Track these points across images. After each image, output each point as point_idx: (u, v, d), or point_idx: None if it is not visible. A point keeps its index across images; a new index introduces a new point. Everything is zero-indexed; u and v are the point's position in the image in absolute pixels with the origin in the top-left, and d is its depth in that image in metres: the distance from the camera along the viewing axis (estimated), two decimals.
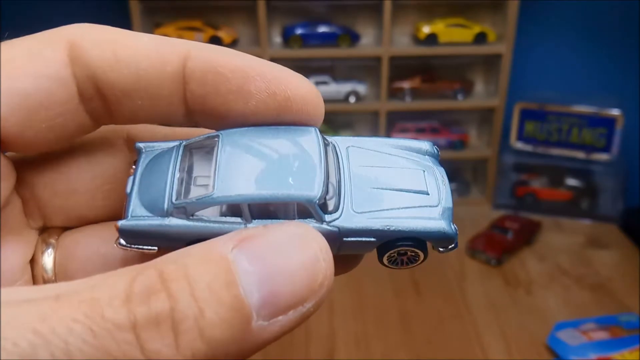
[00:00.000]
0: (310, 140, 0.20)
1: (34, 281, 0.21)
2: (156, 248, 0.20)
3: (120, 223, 0.20)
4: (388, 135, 1.18)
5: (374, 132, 1.18)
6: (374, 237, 0.20)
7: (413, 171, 0.22)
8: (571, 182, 1.18)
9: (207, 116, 0.20)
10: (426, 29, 1.10)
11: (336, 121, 1.20)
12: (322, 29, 1.11)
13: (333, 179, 0.21)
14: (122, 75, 0.19)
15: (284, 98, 0.20)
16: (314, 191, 0.19)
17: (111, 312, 0.14)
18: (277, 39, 1.14)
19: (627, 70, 1.21)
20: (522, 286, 0.96)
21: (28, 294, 0.14)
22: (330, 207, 0.20)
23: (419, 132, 1.18)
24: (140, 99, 0.19)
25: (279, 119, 0.20)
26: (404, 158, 0.22)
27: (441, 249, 0.21)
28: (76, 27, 0.19)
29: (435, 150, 0.23)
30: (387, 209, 0.20)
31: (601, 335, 0.81)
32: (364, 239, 0.20)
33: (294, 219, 0.19)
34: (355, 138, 0.23)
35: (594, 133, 1.13)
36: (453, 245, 0.21)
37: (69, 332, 0.13)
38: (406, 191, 0.21)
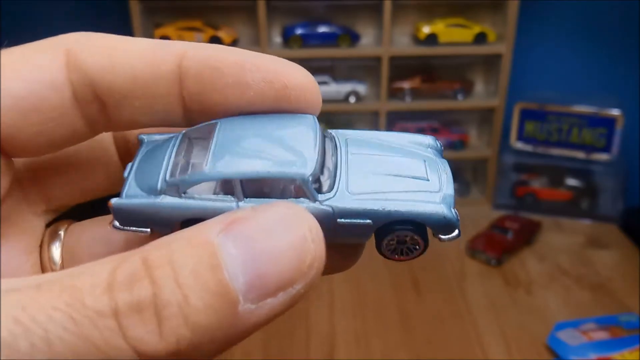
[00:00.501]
0: (307, 125, 0.20)
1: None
2: (149, 230, 0.20)
3: (113, 200, 0.20)
4: None
5: None
6: (369, 219, 0.19)
7: (413, 160, 0.21)
8: (571, 182, 1.18)
9: (205, 114, 0.20)
10: (426, 29, 1.10)
11: (336, 121, 1.20)
12: (322, 29, 1.11)
13: (329, 163, 0.20)
14: (118, 77, 0.19)
15: (282, 86, 0.20)
16: (307, 168, 0.19)
17: (92, 299, 0.14)
18: (277, 39, 1.14)
19: (627, 70, 1.21)
20: (522, 286, 0.96)
21: (12, 284, 0.14)
22: (325, 188, 0.19)
23: (419, 132, 1.18)
24: (137, 101, 0.19)
25: (277, 108, 0.20)
26: (404, 149, 0.22)
27: (442, 237, 0.20)
28: (73, 35, 0.20)
29: (438, 145, 0.23)
30: (385, 192, 0.20)
31: (601, 335, 0.81)
32: (359, 220, 0.19)
33: (289, 199, 0.19)
34: (356, 131, 0.23)
35: (594, 133, 1.13)
36: (455, 234, 0.20)
37: (49, 320, 0.13)
38: (405, 176, 0.20)
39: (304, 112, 0.21)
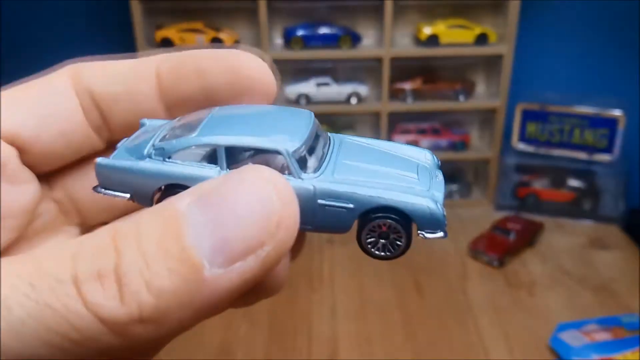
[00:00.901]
0: (302, 116, 0.21)
1: None
2: (128, 195, 0.20)
3: (98, 159, 0.20)
4: (389, 136, 1.18)
5: (376, 134, 1.18)
6: (351, 203, 0.19)
7: (406, 162, 0.21)
8: (573, 183, 1.18)
9: (181, 107, 0.22)
10: (427, 30, 1.10)
11: (337, 122, 1.20)
12: (323, 30, 1.11)
13: (319, 152, 0.20)
14: (110, 83, 0.22)
15: (236, 71, 0.22)
16: (291, 144, 0.19)
17: (52, 266, 0.14)
18: (278, 40, 1.14)
19: (629, 70, 1.21)
20: (524, 287, 0.95)
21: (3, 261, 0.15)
22: (310, 170, 0.19)
23: (421, 133, 1.18)
24: (127, 103, 0.22)
25: (236, 92, 0.22)
26: (399, 154, 0.22)
27: (426, 234, 0.19)
28: (77, 61, 0.23)
29: (435, 159, 0.22)
30: (371, 179, 0.19)
31: (603, 336, 0.81)
32: (340, 203, 0.19)
33: None
34: (353, 136, 0.23)
35: (595, 134, 1.13)
36: (440, 234, 0.19)
37: (11, 287, 0.14)
38: (394, 171, 0.20)
39: (259, 95, 0.21)
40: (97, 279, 0.14)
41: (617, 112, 1.11)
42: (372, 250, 0.20)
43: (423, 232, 0.19)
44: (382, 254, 0.20)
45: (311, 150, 0.20)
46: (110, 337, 0.14)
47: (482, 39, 1.11)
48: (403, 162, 0.21)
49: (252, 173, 0.16)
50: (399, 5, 1.09)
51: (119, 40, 1.23)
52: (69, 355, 0.14)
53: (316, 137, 0.21)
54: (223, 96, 0.22)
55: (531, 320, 0.88)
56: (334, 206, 0.19)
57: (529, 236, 1.06)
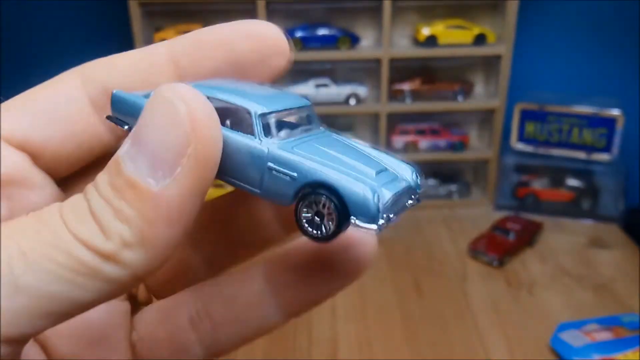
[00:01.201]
0: (292, 97, 0.22)
1: None
2: (127, 126, 0.21)
3: (115, 90, 0.21)
4: (388, 137, 1.19)
5: (375, 134, 1.18)
6: (295, 172, 0.19)
7: (376, 162, 0.21)
8: (572, 182, 1.18)
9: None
10: (426, 31, 1.10)
11: (336, 123, 1.20)
12: (322, 31, 1.11)
13: (297, 131, 0.21)
14: (123, 76, 0.22)
15: (254, 32, 0.23)
16: (261, 107, 0.20)
17: (47, 218, 0.17)
18: None
19: (627, 69, 1.21)
20: (524, 287, 0.95)
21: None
22: (274, 137, 0.20)
23: (420, 134, 1.18)
24: (140, 90, 0.22)
25: (260, 50, 0.22)
26: (378, 157, 0.22)
27: (357, 222, 0.18)
28: (85, 63, 0.23)
29: (416, 177, 0.21)
30: (326, 161, 0.19)
31: (604, 335, 0.81)
32: (286, 170, 0.19)
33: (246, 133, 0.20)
34: (349, 137, 0.23)
35: (594, 133, 1.13)
36: (374, 225, 0.18)
37: (15, 225, 0.16)
38: (354, 161, 0.20)
39: (281, 57, 0.22)
40: (81, 223, 0.16)
41: (615, 112, 1.11)
42: (305, 226, 0.19)
43: (355, 218, 0.18)
44: (313, 232, 0.19)
45: (284, 125, 0.21)
46: (109, 266, 0.16)
47: (480, 40, 1.11)
48: (371, 161, 0.21)
49: (157, 92, 0.17)
50: (397, 6, 1.09)
51: (117, 43, 1.23)
52: (85, 289, 0.16)
53: (299, 119, 0.21)
54: (248, 64, 0.22)
55: (531, 320, 0.88)
56: (279, 171, 0.19)
57: (529, 236, 1.06)
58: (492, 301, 0.92)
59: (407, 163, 0.22)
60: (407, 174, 0.21)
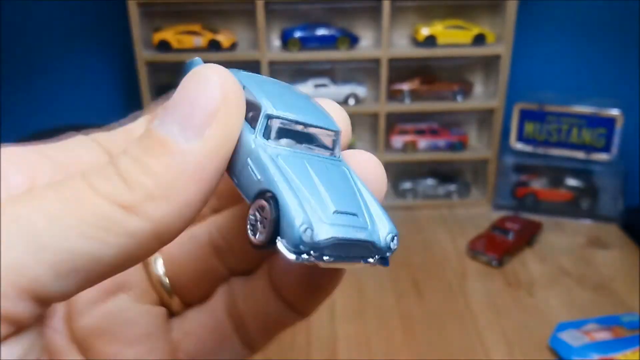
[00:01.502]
0: (318, 112, 0.22)
1: (150, 280, 0.24)
2: None
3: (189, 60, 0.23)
4: (387, 137, 1.19)
5: (374, 134, 1.18)
6: (261, 176, 0.19)
7: (354, 203, 0.20)
8: (571, 182, 1.18)
9: None
10: (425, 31, 1.10)
11: None
12: (321, 31, 1.11)
13: (300, 146, 0.21)
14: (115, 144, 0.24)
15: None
16: (275, 110, 0.20)
17: (68, 176, 0.17)
18: (276, 42, 1.14)
19: (627, 69, 1.21)
20: (523, 287, 0.95)
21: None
22: (269, 139, 0.20)
23: (419, 134, 1.18)
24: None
25: None
26: (366, 201, 0.21)
27: (280, 244, 0.18)
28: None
29: (389, 240, 0.20)
30: (296, 178, 0.19)
31: (603, 335, 0.81)
32: (256, 170, 0.19)
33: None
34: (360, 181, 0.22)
35: (593, 133, 1.13)
36: (292, 255, 0.18)
37: (41, 189, 0.17)
38: (329, 192, 0.19)
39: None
40: (105, 180, 0.17)
41: (614, 112, 1.11)
42: (247, 227, 0.19)
43: (280, 239, 0.18)
44: (249, 233, 0.19)
45: (292, 136, 0.20)
46: (130, 217, 0.16)
47: (479, 40, 1.11)
48: (345, 201, 0.20)
49: (196, 67, 0.19)
50: (396, 7, 1.09)
51: (116, 43, 1.23)
52: (106, 244, 0.16)
53: (314, 138, 0.21)
54: None
55: (531, 320, 0.88)
56: (252, 169, 0.19)
57: (528, 236, 1.06)
58: (491, 301, 0.92)
59: (391, 224, 0.20)
60: (381, 231, 0.20)
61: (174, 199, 0.17)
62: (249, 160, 0.19)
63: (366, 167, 0.22)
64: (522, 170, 1.20)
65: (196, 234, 0.24)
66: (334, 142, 0.22)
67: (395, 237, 0.20)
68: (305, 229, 0.18)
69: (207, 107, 0.17)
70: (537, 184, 1.19)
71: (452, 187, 1.22)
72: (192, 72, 0.18)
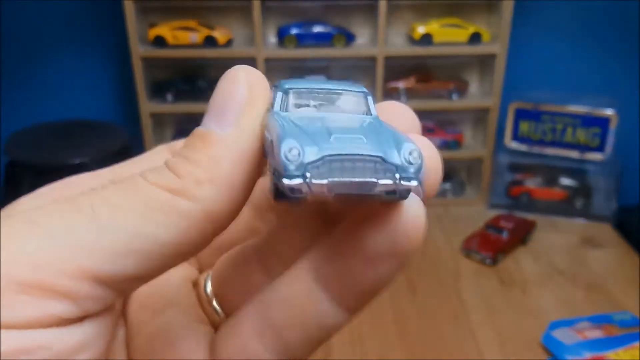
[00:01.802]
0: (343, 84, 0.21)
1: (200, 301, 0.25)
2: None
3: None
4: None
5: None
6: (270, 137, 0.19)
7: (369, 132, 0.18)
8: (565, 181, 1.18)
9: None
10: (421, 29, 1.10)
11: None
12: (317, 29, 1.11)
13: (324, 108, 0.20)
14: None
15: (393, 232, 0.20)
16: (291, 85, 0.20)
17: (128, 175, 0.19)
18: (272, 39, 1.14)
19: (622, 69, 1.21)
20: (517, 285, 0.96)
21: None
22: (289, 110, 0.20)
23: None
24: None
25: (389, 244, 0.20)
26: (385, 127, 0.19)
27: (277, 180, 0.17)
28: None
29: (409, 155, 0.17)
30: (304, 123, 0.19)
31: (596, 334, 0.82)
32: (268, 135, 0.19)
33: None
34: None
35: (588, 133, 1.14)
36: (288, 180, 0.16)
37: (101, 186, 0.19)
38: (338, 125, 0.18)
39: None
40: (158, 174, 0.19)
41: (609, 111, 1.12)
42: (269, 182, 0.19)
43: (277, 175, 0.17)
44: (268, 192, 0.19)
45: (312, 105, 0.20)
46: (182, 200, 0.18)
47: (475, 38, 1.11)
48: (363, 130, 0.18)
49: (228, 71, 0.21)
50: (392, 5, 1.09)
51: (112, 39, 1.23)
52: (162, 224, 0.18)
53: (340, 107, 0.20)
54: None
55: (524, 318, 0.88)
56: (267, 138, 0.19)
57: (522, 235, 1.07)
58: (484, 299, 0.93)
59: (411, 143, 0.17)
60: (397, 149, 0.17)
61: (218, 181, 0.18)
62: (266, 132, 0.19)
63: (394, 111, 0.23)
64: (516, 169, 1.21)
65: (244, 250, 0.25)
66: (366, 104, 0.20)
67: (415, 152, 0.17)
68: (291, 149, 0.16)
69: (237, 99, 0.19)
70: (532, 183, 1.19)
71: (446, 186, 1.22)
72: (223, 75, 0.20)
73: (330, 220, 0.22)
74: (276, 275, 0.22)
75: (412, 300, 0.93)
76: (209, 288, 0.25)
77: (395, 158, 0.17)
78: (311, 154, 0.16)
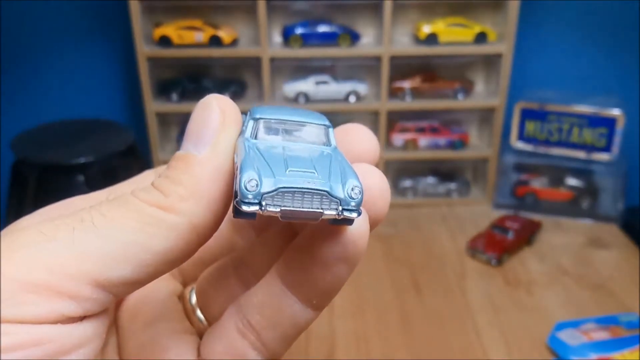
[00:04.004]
0: (305, 114, 0.23)
1: (185, 312, 0.28)
2: None
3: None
4: (388, 134, 1.18)
5: (374, 132, 1.17)
6: (237, 162, 0.22)
7: (320, 165, 0.21)
8: (572, 182, 1.18)
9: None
10: (426, 29, 1.10)
11: (336, 121, 1.18)
12: (322, 28, 1.11)
13: (292, 139, 0.23)
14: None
15: (348, 142, 0.26)
16: (262, 113, 0.23)
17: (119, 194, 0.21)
18: (277, 38, 1.14)
19: (628, 69, 1.21)
20: (522, 286, 0.96)
21: None
22: (258, 137, 0.22)
23: (419, 132, 1.18)
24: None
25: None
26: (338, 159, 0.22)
27: (236, 204, 0.20)
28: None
29: (348, 192, 0.20)
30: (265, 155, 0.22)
31: (601, 335, 0.81)
32: (236, 160, 0.22)
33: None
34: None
35: (594, 133, 1.13)
36: (245, 207, 0.19)
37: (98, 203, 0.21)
38: (295, 158, 0.21)
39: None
40: (147, 193, 0.21)
41: (616, 112, 1.11)
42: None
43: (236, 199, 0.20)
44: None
45: (279, 133, 0.23)
46: (170, 215, 0.20)
47: (481, 38, 1.11)
48: (318, 163, 0.21)
49: (202, 99, 0.23)
50: (398, 4, 1.09)
51: (117, 39, 1.23)
52: (153, 235, 0.20)
53: (303, 136, 0.23)
54: None
55: (529, 319, 0.88)
56: (235, 162, 0.21)
57: (528, 235, 1.06)
58: (490, 300, 0.92)
59: (356, 179, 0.20)
60: (342, 185, 0.20)
61: (199, 197, 0.21)
62: (235, 156, 0.22)
63: (356, 134, 0.25)
64: (522, 169, 1.20)
65: (223, 265, 0.28)
66: (326, 135, 0.23)
67: (357, 188, 0.20)
68: (250, 180, 0.19)
69: (211, 124, 0.22)
70: (538, 183, 1.19)
71: (452, 186, 1.22)
72: (197, 104, 0.22)
73: (294, 236, 0.26)
74: (251, 285, 0.25)
75: (417, 300, 0.92)
76: (193, 299, 0.28)
77: (340, 192, 0.20)
78: (267, 185, 0.19)
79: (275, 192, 0.19)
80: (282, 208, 0.19)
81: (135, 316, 0.26)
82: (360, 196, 0.20)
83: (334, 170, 0.20)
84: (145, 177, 0.27)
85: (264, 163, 0.20)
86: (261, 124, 0.22)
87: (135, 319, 0.26)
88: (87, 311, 0.19)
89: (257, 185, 0.19)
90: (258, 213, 0.19)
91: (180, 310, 0.27)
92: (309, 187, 0.19)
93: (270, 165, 0.20)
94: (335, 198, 0.19)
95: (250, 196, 0.19)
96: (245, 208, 0.19)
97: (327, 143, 0.23)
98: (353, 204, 0.20)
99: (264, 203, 0.19)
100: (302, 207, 0.19)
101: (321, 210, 0.19)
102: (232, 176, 0.21)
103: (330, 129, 0.23)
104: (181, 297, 0.28)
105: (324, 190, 0.19)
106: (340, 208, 0.20)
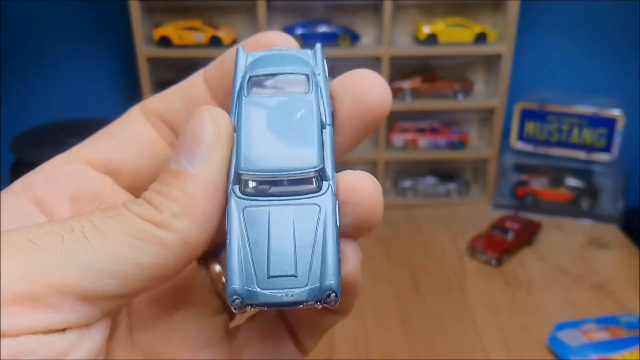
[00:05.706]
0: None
1: (211, 280, 0.27)
2: None
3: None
4: (388, 135, 1.18)
5: (374, 132, 1.18)
6: (226, 224, 0.23)
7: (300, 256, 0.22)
8: (571, 182, 1.18)
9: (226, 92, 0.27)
10: (426, 29, 1.10)
11: None
12: (322, 28, 1.11)
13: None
14: (170, 100, 0.27)
15: (358, 90, 0.28)
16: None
17: (111, 205, 0.21)
18: None
19: (628, 70, 1.21)
20: (522, 286, 0.96)
21: None
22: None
23: (419, 132, 1.18)
24: (187, 114, 0.26)
25: (358, 109, 0.28)
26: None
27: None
28: (144, 100, 0.28)
29: (324, 299, 0.21)
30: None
31: (602, 335, 0.81)
32: (226, 216, 0.22)
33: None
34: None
35: (594, 133, 1.13)
36: (230, 300, 0.21)
37: (91, 213, 0.21)
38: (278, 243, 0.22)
39: (376, 114, 0.26)
40: (139, 206, 0.21)
41: (616, 112, 1.11)
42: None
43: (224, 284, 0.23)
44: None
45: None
46: (162, 231, 0.20)
47: (481, 38, 1.10)
48: (301, 253, 0.21)
49: (195, 110, 0.23)
50: (398, 4, 1.09)
51: (117, 39, 1.23)
52: (144, 251, 0.20)
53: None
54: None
55: (529, 319, 0.88)
56: (226, 212, 0.22)
57: (527, 235, 1.06)
58: (490, 300, 0.92)
59: (336, 279, 0.21)
60: (322, 286, 0.20)
61: (193, 214, 0.20)
62: (226, 223, 0.22)
63: (364, 81, 0.26)
64: (522, 169, 1.20)
65: None
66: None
67: (333, 294, 0.20)
68: (234, 300, 0.20)
69: (204, 138, 0.21)
70: (537, 184, 1.19)
71: (452, 186, 1.22)
72: (191, 116, 0.22)
73: None
74: None
75: (417, 300, 0.92)
76: (217, 268, 0.27)
77: (317, 294, 0.20)
78: (250, 298, 0.20)
79: (258, 302, 0.20)
80: (267, 306, 0.21)
81: (156, 300, 0.25)
82: (336, 300, 0.20)
83: (315, 259, 0.21)
84: (130, 113, 0.27)
85: (248, 259, 0.21)
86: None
87: (156, 304, 0.25)
88: (70, 323, 0.19)
89: (241, 301, 0.20)
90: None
91: (205, 288, 0.26)
92: (289, 301, 0.20)
93: (254, 263, 0.20)
94: (314, 301, 0.21)
95: (236, 308, 0.20)
96: (233, 309, 0.21)
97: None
98: (331, 303, 0.21)
99: (248, 308, 0.21)
100: (286, 302, 0.21)
101: (304, 302, 0.21)
102: (226, 192, 0.21)
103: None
104: (210, 278, 0.27)
105: (303, 301, 0.21)
106: (319, 303, 0.21)
